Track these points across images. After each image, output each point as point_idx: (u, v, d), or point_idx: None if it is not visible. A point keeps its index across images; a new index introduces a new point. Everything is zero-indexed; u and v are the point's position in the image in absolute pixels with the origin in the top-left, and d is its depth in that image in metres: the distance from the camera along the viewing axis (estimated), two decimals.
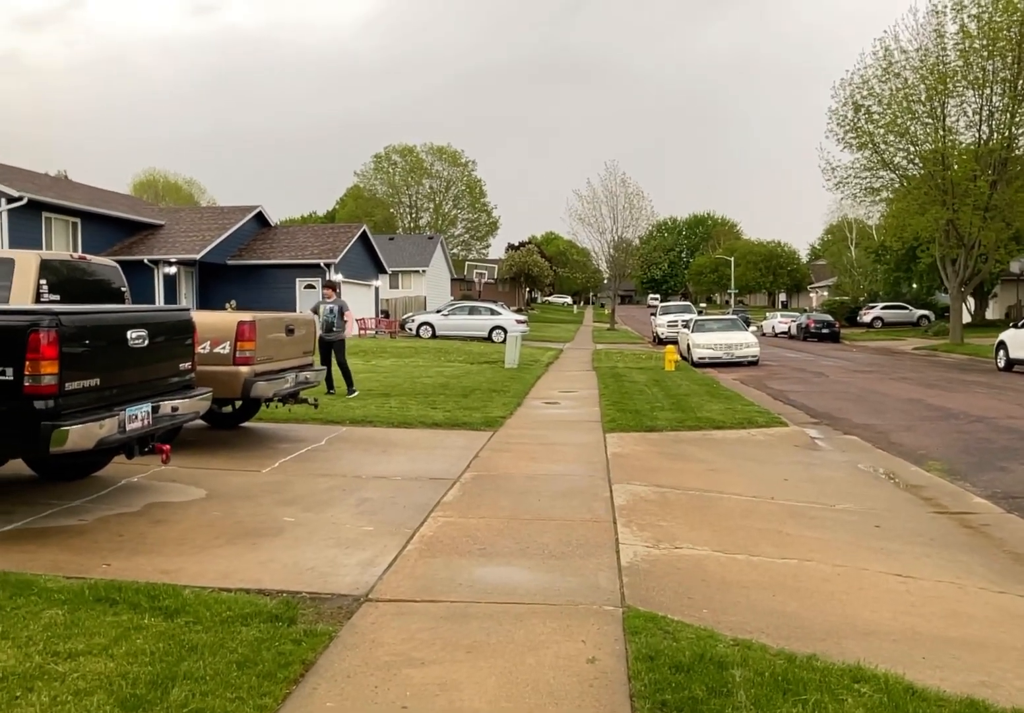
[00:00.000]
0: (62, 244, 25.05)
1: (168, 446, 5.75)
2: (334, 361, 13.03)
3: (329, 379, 12.84)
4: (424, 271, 51.01)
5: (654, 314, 40.41)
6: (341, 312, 13.31)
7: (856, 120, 30.92)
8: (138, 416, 5.49)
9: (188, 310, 6.50)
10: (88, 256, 8.19)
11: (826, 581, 4.71)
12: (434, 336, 32.07)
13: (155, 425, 5.71)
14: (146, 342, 5.62)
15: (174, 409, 5.94)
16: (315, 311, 13.10)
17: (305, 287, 31.82)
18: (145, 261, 27.88)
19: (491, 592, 4.24)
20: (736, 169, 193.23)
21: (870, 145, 30.90)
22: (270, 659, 3.34)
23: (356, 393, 12.65)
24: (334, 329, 13.16)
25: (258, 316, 7.88)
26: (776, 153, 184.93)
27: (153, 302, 26.77)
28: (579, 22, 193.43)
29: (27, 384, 4.65)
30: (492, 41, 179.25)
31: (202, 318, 7.63)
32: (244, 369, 7.64)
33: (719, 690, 3.12)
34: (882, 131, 30.47)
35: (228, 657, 3.35)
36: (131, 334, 5.48)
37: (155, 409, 5.71)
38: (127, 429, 5.34)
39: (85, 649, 3.40)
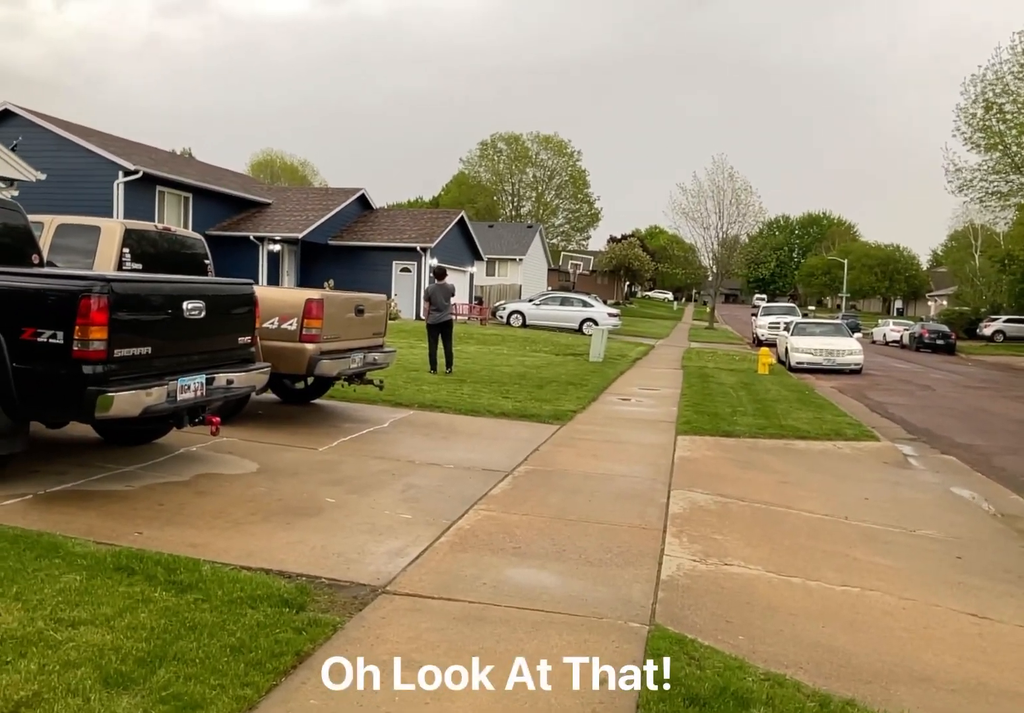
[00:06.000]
0: (173, 217, 26.08)
1: (218, 418, 5.76)
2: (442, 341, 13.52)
3: (449, 359, 13.46)
4: (521, 260, 50.91)
5: (755, 314, 39.07)
6: (450, 295, 13.98)
7: (986, 119, 28.87)
8: (190, 386, 5.50)
9: (251, 284, 6.49)
10: (172, 227, 8.38)
11: (887, 615, 4.27)
12: (524, 325, 31.93)
13: (208, 396, 5.72)
14: (203, 314, 5.62)
15: (229, 382, 5.93)
16: (428, 296, 13.44)
17: (401, 270, 32.20)
18: (251, 238, 28.77)
19: (513, 595, 4.01)
20: (856, 168, 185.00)
21: (1000, 146, 28.81)
22: (265, 647, 3.22)
23: (435, 374, 13.12)
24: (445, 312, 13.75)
25: (327, 294, 7.86)
26: (900, 151, 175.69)
27: (256, 277, 27.57)
28: (702, 14, 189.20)
29: (76, 348, 4.70)
30: (611, 32, 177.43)
31: (271, 294, 7.68)
32: (310, 346, 7.63)
33: None
34: (1015, 132, 28.32)
35: (224, 640, 3.25)
36: (187, 305, 5.48)
37: (209, 381, 5.72)
38: (177, 399, 5.35)
39: (88, 618, 3.36)
